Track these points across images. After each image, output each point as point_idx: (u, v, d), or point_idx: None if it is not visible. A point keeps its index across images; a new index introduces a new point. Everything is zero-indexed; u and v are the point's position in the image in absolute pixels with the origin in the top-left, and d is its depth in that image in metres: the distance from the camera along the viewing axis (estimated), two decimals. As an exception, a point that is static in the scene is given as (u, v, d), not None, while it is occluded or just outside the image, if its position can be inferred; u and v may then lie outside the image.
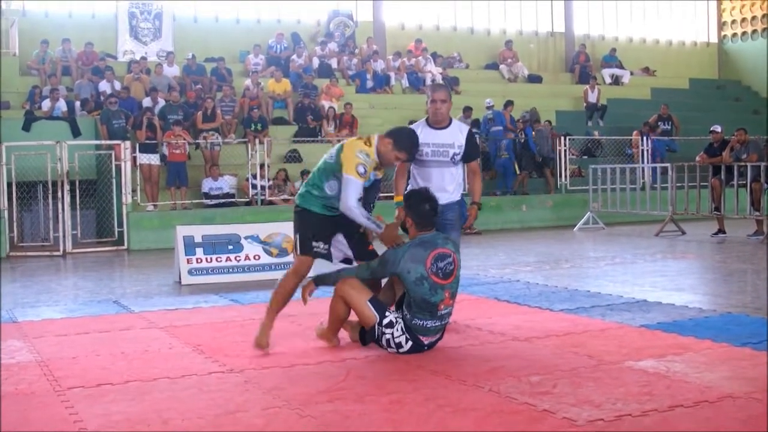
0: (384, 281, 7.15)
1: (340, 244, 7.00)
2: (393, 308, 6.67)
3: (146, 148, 18.28)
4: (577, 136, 23.72)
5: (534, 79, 28.34)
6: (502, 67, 28.26)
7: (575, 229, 19.46)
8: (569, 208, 21.10)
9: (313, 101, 22.22)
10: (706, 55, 32.95)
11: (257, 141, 19.02)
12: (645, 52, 31.70)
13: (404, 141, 6.86)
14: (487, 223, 18.94)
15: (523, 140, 21.80)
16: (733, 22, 32.60)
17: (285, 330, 7.70)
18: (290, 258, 11.79)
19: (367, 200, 7.04)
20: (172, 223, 14.39)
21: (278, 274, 11.51)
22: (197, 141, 19.39)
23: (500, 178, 21.58)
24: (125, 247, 17.10)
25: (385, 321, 6.50)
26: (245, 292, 10.47)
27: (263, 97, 22.17)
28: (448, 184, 7.48)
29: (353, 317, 6.84)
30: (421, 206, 6.61)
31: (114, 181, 17.49)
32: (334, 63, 25.45)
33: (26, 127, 18.92)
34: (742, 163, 16.36)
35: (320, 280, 6.90)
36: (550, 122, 23.41)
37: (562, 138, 21.98)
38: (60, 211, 16.78)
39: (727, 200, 16.77)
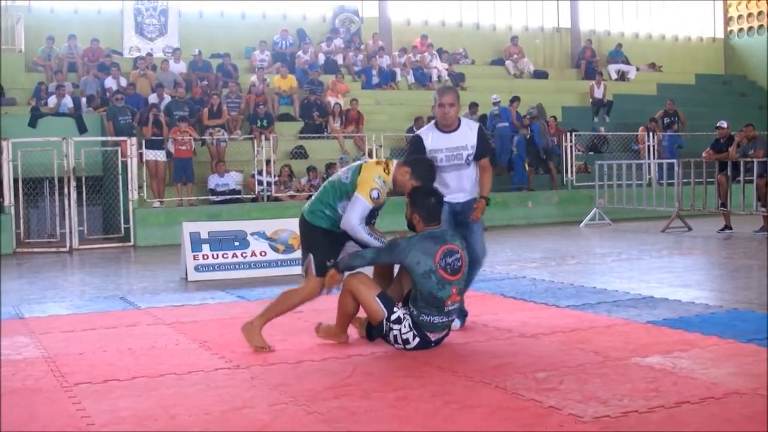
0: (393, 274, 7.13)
1: (349, 247, 6.96)
2: (400, 305, 6.65)
3: (152, 145, 18.30)
4: (583, 131, 23.70)
5: (540, 74, 28.31)
6: (507, 62, 28.22)
7: (581, 225, 19.44)
8: (575, 204, 21.08)
9: (318, 97, 22.22)
10: (712, 51, 32.88)
11: (263, 137, 19.02)
12: (651, 48, 31.65)
13: (422, 171, 6.82)
14: (492, 219, 18.92)
15: (529, 136, 21.78)
16: (740, 17, 32.52)
17: (291, 326, 7.70)
18: (297, 254, 11.86)
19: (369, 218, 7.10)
20: (179, 220, 14.39)
21: (285, 271, 11.70)
22: (203, 137, 19.40)
23: (508, 173, 21.58)
24: (131, 243, 17.12)
25: (393, 316, 6.50)
26: (252, 288, 10.48)
27: (269, 94, 22.18)
28: (466, 184, 7.48)
29: (361, 313, 6.84)
30: (427, 201, 6.61)
31: (120, 177, 17.51)
32: (339, 59, 25.43)
33: (32, 123, 18.94)
34: (749, 159, 16.34)
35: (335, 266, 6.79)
36: (555, 117, 23.40)
37: (568, 134, 21.96)
38: (66, 207, 16.80)
39: (734, 196, 16.75)
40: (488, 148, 7.62)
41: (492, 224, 18.80)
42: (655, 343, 6.60)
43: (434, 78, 25.84)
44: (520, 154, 21.59)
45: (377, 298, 6.52)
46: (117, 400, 5.34)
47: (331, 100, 22.31)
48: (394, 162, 6.88)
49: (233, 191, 18.66)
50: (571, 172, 21.84)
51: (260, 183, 18.69)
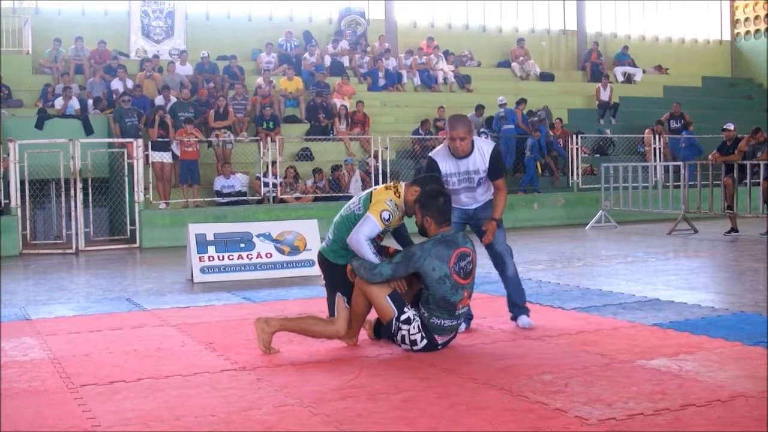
0: None
1: None
2: (410, 305, 6.62)
3: (158, 146, 18.32)
4: (589, 134, 23.69)
5: (546, 77, 28.29)
6: (514, 65, 28.21)
7: (587, 227, 19.43)
8: (581, 206, 21.08)
9: (324, 99, 22.23)
10: (719, 53, 32.84)
11: (269, 139, 19.03)
12: (657, 50, 31.62)
13: (431, 201, 6.74)
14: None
15: (538, 138, 21.81)
16: (746, 19, 32.48)
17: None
18: (302, 256, 11.90)
19: (402, 239, 7.18)
20: (184, 221, 14.41)
21: (291, 272, 11.72)
22: (209, 139, 19.42)
23: (514, 175, 21.60)
24: (137, 244, 17.14)
25: (403, 317, 6.50)
26: (257, 290, 10.49)
27: (275, 95, 22.20)
28: (479, 197, 7.51)
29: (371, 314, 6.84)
30: (436, 201, 6.59)
31: (126, 179, 17.53)
32: (346, 61, 25.44)
33: (39, 125, 18.99)
34: (755, 162, 16.32)
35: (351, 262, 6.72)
36: (561, 120, 23.43)
37: (574, 136, 21.95)
38: (72, 208, 16.82)
39: (740, 199, 16.74)
40: (500, 170, 7.47)
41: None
42: (661, 345, 6.60)
43: (440, 80, 25.87)
44: (533, 156, 21.61)
45: (388, 298, 6.51)
46: (123, 401, 5.34)
47: (337, 102, 22.32)
48: (403, 184, 6.89)
49: (239, 193, 18.67)
50: (577, 175, 21.82)
51: (266, 185, 18.69)
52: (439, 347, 6.55)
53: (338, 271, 6.82)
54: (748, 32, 32.47)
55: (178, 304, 9.56)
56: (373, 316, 6.84)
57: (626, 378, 5.62)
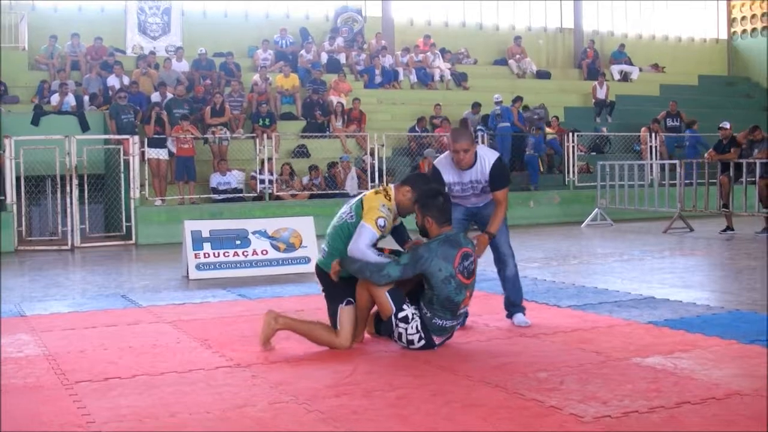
0: None
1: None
2: (410, 303, 6.57)
3: (155, 143, 18.31)
4: (585, 132, 23.69)
5: (542, 75, 28.30)
6: (510, 62, 28.21)
7: (583, 225, 19.44)
8: (577, 204, 21.07)
9: (321, 96, 22.22)
10: (716, 52, 32.85)
11: (265, 136, 19.02)
12: (654, 49, 31.62)
13: (425, 190, 6.80)
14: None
15: (538, 135, 21.88)
16: (743, 18, 32.49)
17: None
18: (298, 253, 11.91)
19: (401, 238, 7.14)
20: (180, 218, 14.41)
21: (286, 269, 11.72)
22: (205, 136, 19.40)
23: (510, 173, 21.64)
24: (133, 241, 17.13)
25: (401, 314, 6.48)
26: (253, 287, 10.49)
27: (271, 92, 22.19)
28: (486, 199, 7.49)
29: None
30: (436, 201, 6.58)
31: (122, 175, 17.51)
32: (342, 58, 25.43)
33: (35, 121, 18.96)
34: (751, 160, 16.34)
35: (343, 262, 6.61)
36: (557, 117, 23.45)
37: (571, 134, 21.95)
38: (68, 205, 16.80)
39: (736, 197, 16.75)
40: (501, 182, 7.38)
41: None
42: (657, 343, 6.60)
43: (437, 78, 25.86)
44: (536, 153, 21.66)
45: (387, 294, 6.49)
46: (117, 398, 5.34)
47: (334, 99, 22.30)
48: (392, 186, 6.88)
49: (235, 190, 18.66)
50: (573, 173, 21.83)
51: (262, 182, 18.69)
52: (436, 347, 6.54)
53: (338, 283, 6.76)
54: (744, 31, 32.48)
55: (173, 300, 9.55)
56: (373, 310, 6.82)
57: (621, 376, 5.62)
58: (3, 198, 16.61)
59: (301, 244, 12.07)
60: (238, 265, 11.78)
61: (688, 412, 4.78)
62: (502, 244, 7.55)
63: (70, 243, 16.56)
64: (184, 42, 24.27)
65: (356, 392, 5.36)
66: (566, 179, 21.94)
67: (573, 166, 21.85)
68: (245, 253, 11.87)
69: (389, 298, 6.48)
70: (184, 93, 20.51)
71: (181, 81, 21.19)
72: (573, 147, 21.81)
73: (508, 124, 21.95)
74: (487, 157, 7.36)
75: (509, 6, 29.90)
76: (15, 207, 16.61)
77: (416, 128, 21.56)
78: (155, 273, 12.43)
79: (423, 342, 6.47)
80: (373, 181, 19.08)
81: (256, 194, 18.77)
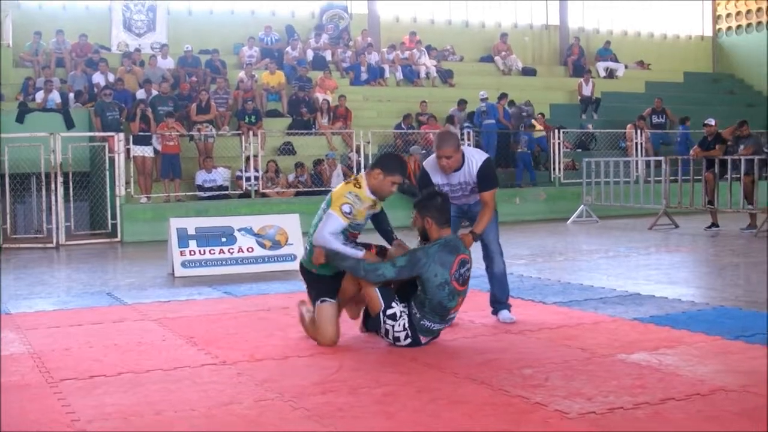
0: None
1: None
2: (398, 300, 6.56)
3: (140, 140, 18.25)
4: (571, 129, 23.71)
5: (528, 72, 28.33)
6: (496, 59, 28.22)
7: (569, 222, 19.47)
8: (563, 201, 21.11)
9: (307, 93, 22.18)
10: (701, 49, 32.94)
11: (251, 133, 18.99)
12: (639, 46, 31.70)
13: (392, 164, 6.79)
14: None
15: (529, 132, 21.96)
16: (728, 15, 32.59)
17: (278, 322, 7.74)
18: (283, 250, 11.92)
19: (383, 228, 7.13)
20: (166, 216, 14.37)
21: (272, 266, 11.72)
22: (191, 133, 19.36)
23: (519, 171, 21.84)
24: (119, 239, 17.09)
25: (389, 312, 6.47)
26: (238, 284, 10.48)
27: (257, 90, 22.17)
28: (471, 200, 7.48)
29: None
30: (434, 202, 6.57)
31: (108, 173, 17.48)
32: (328, 55, 25.42)
33: (20, 118, 18.90)
34: (736, 157, 16.39)
35: (338, 258, 6.56)
36: (543, 114, 23.50)
37: (556, 131, 21.98)
38: (53, 203, 16.74)
39: (721, 194, 16.80)
40: (489, 184, 7.33)
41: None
42: (642, 340, 6.62)
43: (423, 75, 25.86)
44: (529, 150, 21.72)
45: (377, 290, 6.48)
46: (102, 395, 5.32)
47: (320, 96, 22.28)
48: (363, 173, 6.88)
49: (221, 187, 18.63)
50: (559, 169, 21.86)
51: (247, 179, 18.67)
52: (422, 344, 6.53)
53: (322, 281, 6.77)
54: (729, 28, 32.58)
55: (159, 298, 9.52)
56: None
57: (606, 372, 5.63)
58: (-13, 195, 16.57)
59: (287, 241, 12.06)
60: (224, 262, 11.77)
61: (673, 408, 4.79)
62: (491, 241, 7.55)
63: (55, 241, 16.51)
64: (170, 39, 24.19)
65: (342, 389, 5.36)
66: (552, 176, 21.97)
67: (559, 163, 21.87)
68: (231, 251, 11.85)
69: (379, 294, 6.47)
70: (169, 90, 20.47)
71: (167, 78, 21.14)
72: (559, 144, 21.84)
73: (493, 121, 21.97)
74: (474, 158, 7.33)
75: (495, 3, 29.91)
76: (0, 205, 16.54)
77: (402, 125, 21.55)
78: (141, 270, 12.40)
79: (409, 340, 6.46)
80: (359, 178, 19.04)
81: (241, 192, 18.74)
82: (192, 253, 11.67)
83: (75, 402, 5.17)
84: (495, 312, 7.65)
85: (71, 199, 17.01)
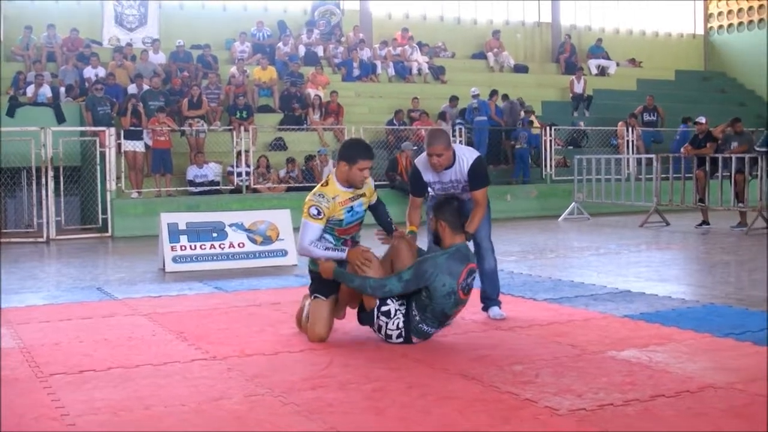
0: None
1: None
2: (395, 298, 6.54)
3: (131, 135, 18.23)
4: (562, 126, 23.73)
5: (520, 69, 28.33)
6: (488, 56, 28.22)
7: (560, 219, 19.49)
8: (554, 198, 21.13)
9: (298, 89, 22.16)
10: (693, 47, 32.99)
11: (242, 128, 18.97)
12: (631, 44, 31.73)
13: (351, 150, 6.76)
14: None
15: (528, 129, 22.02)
16: (720, 14, 32.64)
17: (269, 317, 7.73)
18: (274, 246, 11.91)
19: (383, 221, 7.13)
20: (157, 211, 14.34)
21: (263, 262, 11.70)
22: (182, 128, 19.33)
23: (518, 167, 21.96)
24: (109, 234, 17.06)
25: (384, 308, 6.46)
26: (229, 279, 10.46)
27: (249, 85, 22.14)
28: (464, 198, 7.47)
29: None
30: (450, 205, 6.57)
31: (98, 167, 17.45)
32: (320, 51, 25.39)
33: (10, 112, 18.85)
34: (727, 155, 16.42)
35: (341, 277, 6.53)
36: (534, 112, 23.51)
37: (548, 128, 22.00)
38: (44, 197, 16.70)
39: (712, 191, 16.83)
40: (480, 182, 7.33)
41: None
42: (632, 337, 6.63)
43: (414, 71, 25.85)
44: (527, 147, 21.76)
45: None
46: (92, 390, 5.31)
47: (311, 91, 22.26)
48: (333, 170, 6.89)
49: (212, 182, 18.61)
50: (551, 167, 21.88)
51: (238, 174, 18.66)
52: (413, 343, 6.51)
53: (324, 280, 6.75)
54: (721, 26, 32.64)
55: (149, 293, 9.51)
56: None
57: (597, 369, 5.64)
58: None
59: (278, 236, 12.05)
60: (215, 257, 11.75)
61: (663, 405, 4.80)
62: (483, 238, 7.55)
63: (45, 235, 16.49)
64: (161, 34, 24.16)
65: (332, 385, 5.35)
66: (543, 173, 22.00)
67: (550, 160, 21.90)
68: (222, 246, 11.84)
69: None
70: (161, 85, 20.44)
71: (158, 73, 21.10)
72: (550, 141, 21.86)
73: (485, 117, 21.97)
74: (465, 156, 7.32)
75: (487, 0, 29.89)
76: (-10, 199, 16.54)
77: (394, 121, 21.55)
78: (131, 265, 12.39)
79: (401, 339, 6.45)
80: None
81: (233, 187, 18.73)
82: (183, 248, 11.65)
83: (64, 396, 5.16)
84: (485, 308, 7.65)
85: (62, 193, 16.97)
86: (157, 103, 19.21)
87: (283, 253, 11.91)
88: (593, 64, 29.22)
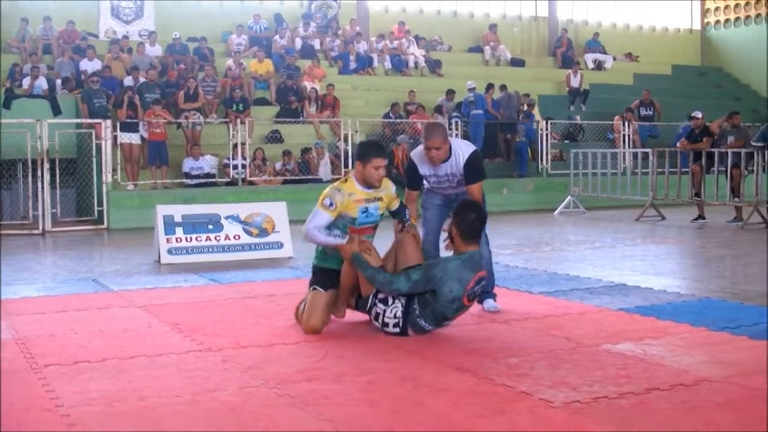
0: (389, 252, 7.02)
1: None
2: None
3: (127, 127, 18.21)
4: (559, 120, 23.73)
5: (517, 62, 28.32)
6: (485, 49, 28.19)
7: (556, 212, 19.49)
8: (550, 192, 21.12)
9: (295, 82, 22.14)
10: (689, 42, 32.98)
11: (239, 121, 18.95)
12: (628, 38, 31.72)
13: (365, 151, 6.83)
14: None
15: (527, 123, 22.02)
16: (716, 9, 32.65)
17: (264, 309, 7.73)
18: (270, 238, 11.92)
19: (399, 216, 7.13)
20: (153, 203, 14.34)
21: (259, 254, 11.72)
22: (178, 120, 19.31)
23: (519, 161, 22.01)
24: (105, 226, 17.04)
25: (381, 295, 6.49)
26: (225, 271, 10.46)
27: (245, 78, 22.11)
28: (459, 190, 7.48)
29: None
30: (468, 215, 6.54)
31: (94, 160, 17.41)
32: (316, 44, 25.36)
33: (6, 104, 18.80)
34: (723, 150, 16.44)
35: (357, 262, 6.51)
36: (528, 95, 23.51)
37: (544, 122, 22.00)
38: (39, 189, 16.68)
39: (708, 186, 16.84)
40: (476, 176, 7.35)
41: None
42: (627, 330, 6.63)
43: (411, 64, 25.82)
44: (527, 140, 21.77)
45: None
46: (87, 381, 5.31)
47: (308, 84, 22.22)
48: (352, 173, 6.96)
49: (208, 175, 18.59)
50: (547, 160, 21.88)
51: (234, 167, 18.65)
52: (408, 336, 6.51)
53: (322, 272, 6.85)
54: (718, 22, 32.65)
55: (145, 285, 9.51)
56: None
57: (591, 362, 5.64)
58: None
59: (273, 229, 12.05)
60: (211, 249, 11.75)
61: (657, 398, 4.80)
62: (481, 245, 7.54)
63: (41, 227, 16.47)
64: (158, 27, 24.10)
65: (327, 377, 5.36)
66: (540, 167, 21.99)
67: (546, 153, 21.90)
68: (217, 238, 11.83)
69: None
70: (157, 77, 20.41)
71: (154, 65, 21.07)
72: (546, 135, 21.86)
73: (481, 111, 21.95)
74: (461, 150, 7.34)
75: (484, -6, 29.92)
76: (-15, 191, 16.50)
77: (390, 115, 21.52)
78: (127, 257, 12.38)
79: (397, 330, 6.44)
80: (346, 167, 19.05)
81: (229, 179, 18.72)
82: (178, 240, 11.65)
83: (59, 387, 5.16)
84: (480, 301, 7.64)
85: (57, 185, 16.94)
86: (153, 96, 19.18)
87: (279, 245, 11.91)
88: (590, 58, 29.22)
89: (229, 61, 22.45)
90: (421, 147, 7.38)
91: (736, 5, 31.82)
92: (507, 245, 13.11)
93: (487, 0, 29.93)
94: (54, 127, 17.18)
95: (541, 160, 21.92)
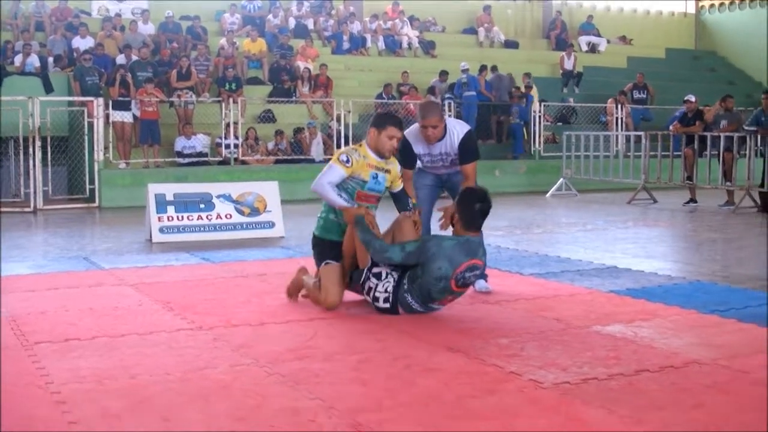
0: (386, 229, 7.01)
1: None
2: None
3: (119, 106, 18.17)
4: (552, 102, 23.73)
5: (510, 44, 28.30)
6: (479, 31, 28.15)
7: (548, 195, 19.51)
8: (542, 174, 21.13)
9: (288, 62, 22.08)
10: (683, 26, 32.98)
11: (231, 100, 18.91)
12: (622, 21, 31.72)
13: (382, 120, 6.91)
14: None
15: (524, 104, 22.02)
16: (711, -8, 32.67)
17: (255, 288, 7.73)
18: (262, 217, 11.92)
19: (402, 207, 7.14)
20: (144, 181, 14.30)
21: (250, 233, 11.72)
22: (171, 99, 19.27)
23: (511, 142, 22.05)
24: (96, 204, 17.02)
25: (375, 269, 6.50)
26: (216, 250, 10.45)
27: (238, 57, 22.06)
28: (452, 170, 7.48)
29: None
30: (472, 204, 6.52)
31: (86, 138, 17.37)
32: (310, 24, 25.30)
33: (-2, 82, 18.76)
34: (716, 134, 16.46)
35: (358, 224, 6.51)
36: (529, 74, 23.50)
37: (537, 104, 21.99)
38: (31, 167, 16.63)
39: (700, 170, 16.86)
40: (470, 156, 7.40)
41: (459, 193, 18.78)
42: (617, 312, 6.64)
43: (404, 45, 25.79)
44: (521, 122, 21.76)
45: None
46: (77, 359, 5.31)
47: (301, 64, 22.18)
48: (364, 140, 7.01)
49: (200, 154, 18.57)
50: (539, 143, 21.88)
51: (227, 146, 18.63)
52: (398, 314, 6.52)
53: (328, 245, 6.87)
54: (712, 5, 32.63)
55: (136, 263, 9.50)
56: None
57: (581, 343, 5.65)
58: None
59: (265, 208, 12.05)
60: (202, 228, 11.74)
61: (647, 380, 4.81)
62: None
63: (32, 205, 16.44)
64: (151, 5, 24.04)
65: (317, 356, 5.36)
66: (532, 149, 21.99)
67: (539, 136, 21.89)
68: (209, 217, 11.83)
69: None
70: (149, 56, 20.36)
71: (147, 44, 21.00)
72: (539, 117, 21.85)
73: (474, 92, 21.95)
74: (456, 130, 7.36)
75: (479, -25, 29.81)
76: (-23, 168, 16.46)
77: (383, 95, 21.49)
78: (118, 236, 12.36)
79: (387, 305, 6.45)
80: (338, 147, 19.01)
81: (221, 159, 18.70)
82: (170, 219, 11.64)
83: (50, 365, 5.15)
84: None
85: (49, 163, 16.92)
86: (146, 74, 19.15)
87: (271, 224, 11.91)
88: (584, 40, 29.19)
89: (222, 40, 22.39)
90: (415, 126, 7.39)
91: (731, -11, 31.84)
92: (499, 227, 13.11)
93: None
94: (46, 105, 17.13)
95: (534, 142, 21.91)
